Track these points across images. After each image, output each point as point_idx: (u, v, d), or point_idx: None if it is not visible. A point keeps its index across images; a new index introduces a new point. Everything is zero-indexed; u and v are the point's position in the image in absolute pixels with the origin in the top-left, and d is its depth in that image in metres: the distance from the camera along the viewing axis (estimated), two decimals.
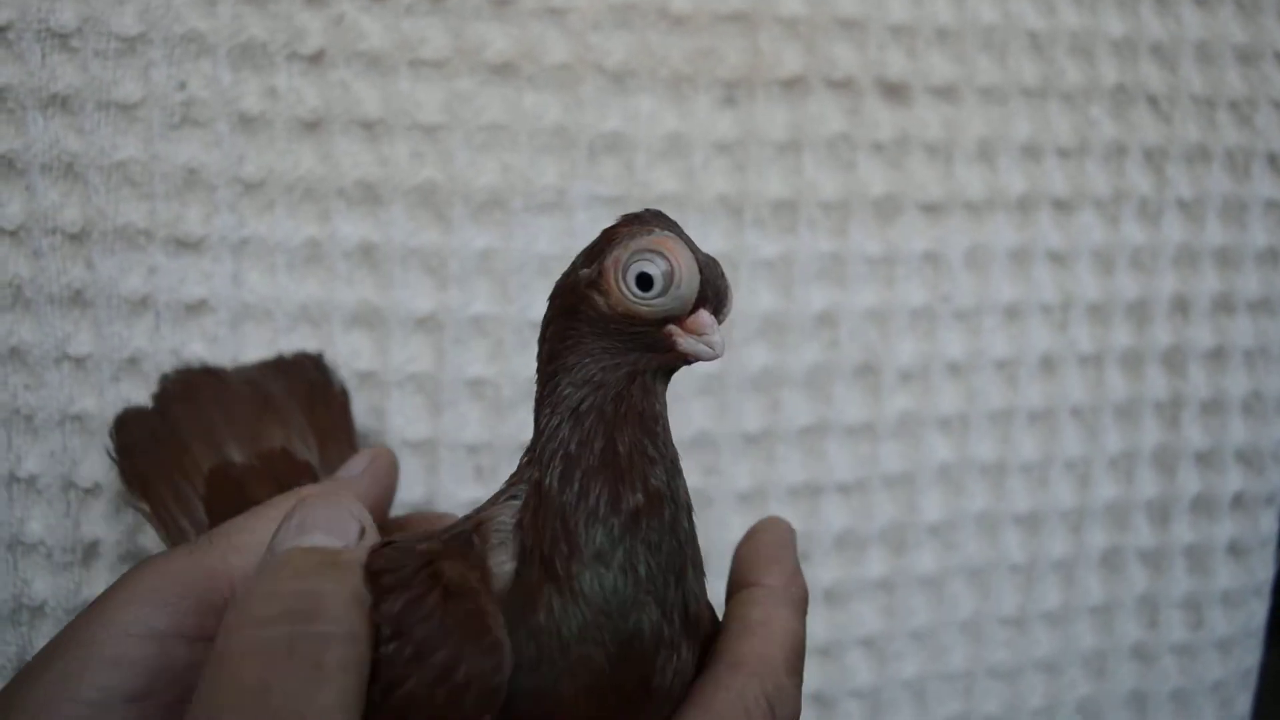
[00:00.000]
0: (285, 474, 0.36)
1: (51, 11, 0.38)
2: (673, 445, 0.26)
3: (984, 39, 0.46)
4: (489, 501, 0.26)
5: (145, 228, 0.40)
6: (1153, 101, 0.49)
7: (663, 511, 0.24)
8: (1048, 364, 0.49)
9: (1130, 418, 0.50)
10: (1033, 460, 0.49)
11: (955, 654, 0.49)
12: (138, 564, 0.28)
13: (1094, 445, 0.50)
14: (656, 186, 0.43)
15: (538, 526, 0.24)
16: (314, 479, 0.37)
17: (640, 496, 0.24)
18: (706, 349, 0.25)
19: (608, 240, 0.26)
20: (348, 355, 0.42)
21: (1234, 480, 0.52)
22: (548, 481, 0.24)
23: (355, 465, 0.34)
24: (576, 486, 0.24)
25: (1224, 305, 0.50)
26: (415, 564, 0.23)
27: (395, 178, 0.41)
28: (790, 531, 0.30)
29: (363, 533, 0.25)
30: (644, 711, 0.24)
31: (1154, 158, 0.49)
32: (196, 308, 0.40)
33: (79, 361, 0.40)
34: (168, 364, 0.40)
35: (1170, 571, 0.51)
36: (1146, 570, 0.51)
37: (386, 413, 0.42)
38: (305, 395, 0.40)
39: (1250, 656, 0.53)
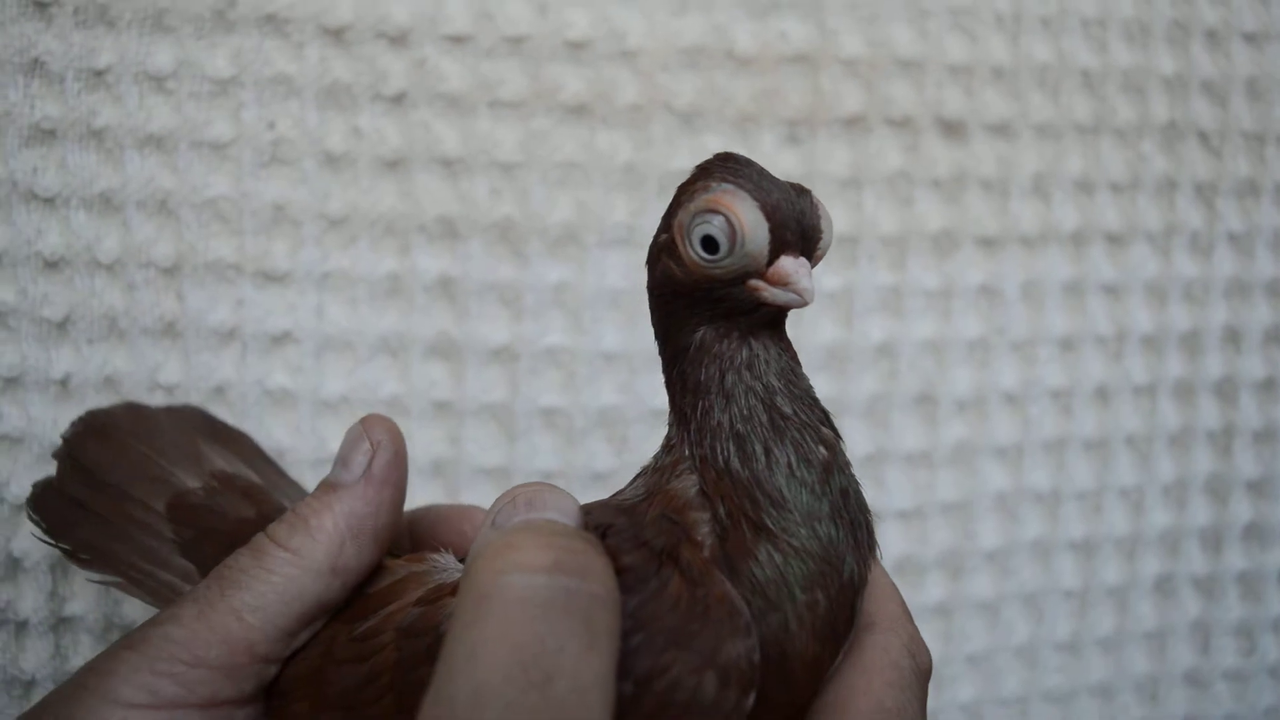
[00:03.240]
0: (249, 492, 0.32)
1: (148, 55, 0.40)
2: (805, 377, 0.26)
3: (1038, 78, 0.47)
4: (649, 474, 0.26)
5: (234, 262, 0.41)
6: (1203, 137, 0.50)
7: (839, 455, 0.25)
8: (1102, 394, 0.50)
9: (1183, 447, 0.51)
10: (1087, 488, 0.50)
11: (1010, 679, 0.50)
12: (140, 627, 0.25)
13: (1147, 474, 0.50)
14: None
15: (728, 494, 0.24)
16: (273, 500, 0.33)
17: (823, 450, 0.25)
18: (795, 297, 0.24)
19: (676, 201, 0.25)
20: (425, 386, 0.43)
21: None
22: (723, 461, 0.24)
23: (355, 460, 0.27)
24: (762, 458, 0.24)
25: (1275, 337, 0.51)
26: (645, 553, 0.23)
27: (474, 214, 0.42)
28: None
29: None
30: (843, 644, 0.25)
31: (1205, 192, 0.50)
32: (281, 339, 0.42)
33: (169, 390, 0.41)
34: (253, 394, 0.42)
35: (1223, 598, 0.52)
36: (1199, 597, 0.52)
37: (461, 441, 0.43)
38: (203, 428, 0.37)
39: None
